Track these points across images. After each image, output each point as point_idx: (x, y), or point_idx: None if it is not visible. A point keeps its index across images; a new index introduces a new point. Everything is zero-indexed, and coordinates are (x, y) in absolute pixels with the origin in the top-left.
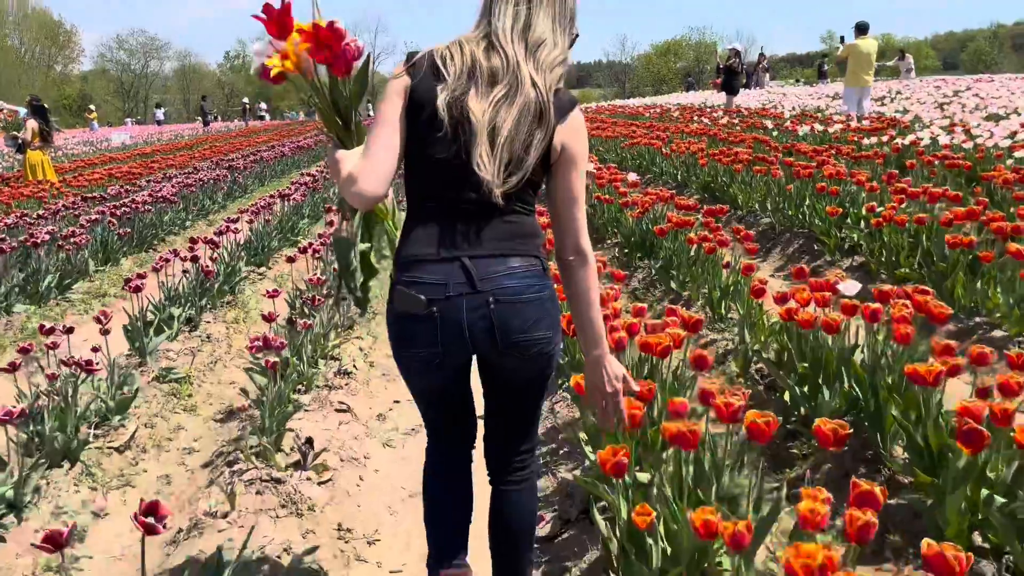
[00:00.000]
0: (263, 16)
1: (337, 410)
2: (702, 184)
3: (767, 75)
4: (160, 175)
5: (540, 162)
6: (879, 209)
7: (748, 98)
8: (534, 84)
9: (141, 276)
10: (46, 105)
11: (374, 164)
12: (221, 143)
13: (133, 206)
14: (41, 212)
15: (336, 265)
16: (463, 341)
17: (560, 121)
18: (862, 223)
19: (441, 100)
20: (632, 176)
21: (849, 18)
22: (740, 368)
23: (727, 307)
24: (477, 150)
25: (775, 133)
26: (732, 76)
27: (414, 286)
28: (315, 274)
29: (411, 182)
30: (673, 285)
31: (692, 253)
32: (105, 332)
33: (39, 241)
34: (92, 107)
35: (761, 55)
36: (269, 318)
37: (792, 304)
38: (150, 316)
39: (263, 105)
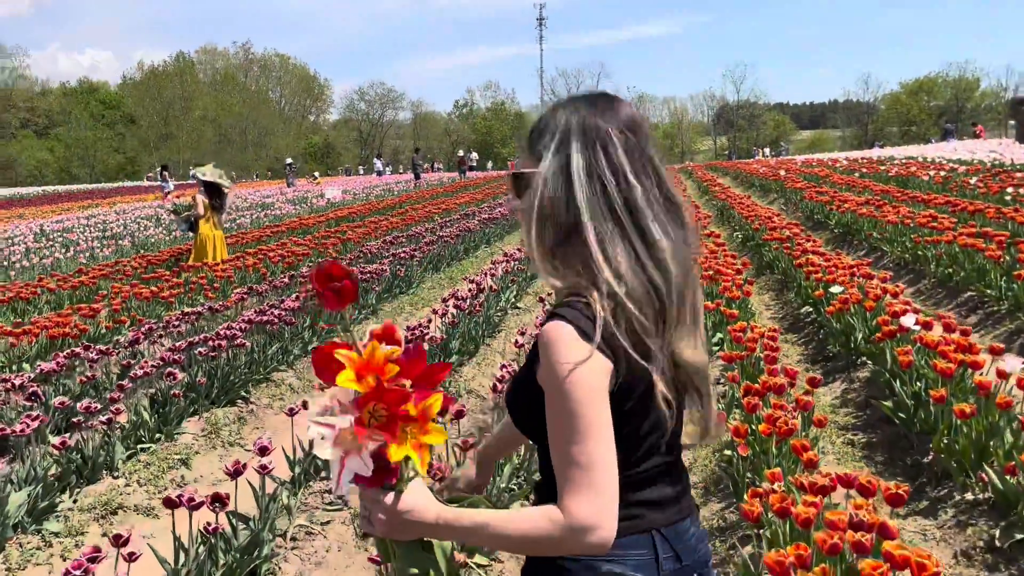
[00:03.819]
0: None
1: None
2: None
3: None
4: (319, 262)
5: None
6: None
7: None
8: None
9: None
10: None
11: (611, 498)
12: (420, 205)
13: (218, 344)
14: (98, 348)
15: None
16: None
17: None
18: None
19: (662, 399)
20: (1013, 362)
21: None
22: None
23: None
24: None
25: None
26: None
27: (620, 563)
28: None
29: None
30: None
31: None
32: None
33: (14, 435)
34: (316, 174)
35: None
36: None
37: None
38: None
39: (473, 155)
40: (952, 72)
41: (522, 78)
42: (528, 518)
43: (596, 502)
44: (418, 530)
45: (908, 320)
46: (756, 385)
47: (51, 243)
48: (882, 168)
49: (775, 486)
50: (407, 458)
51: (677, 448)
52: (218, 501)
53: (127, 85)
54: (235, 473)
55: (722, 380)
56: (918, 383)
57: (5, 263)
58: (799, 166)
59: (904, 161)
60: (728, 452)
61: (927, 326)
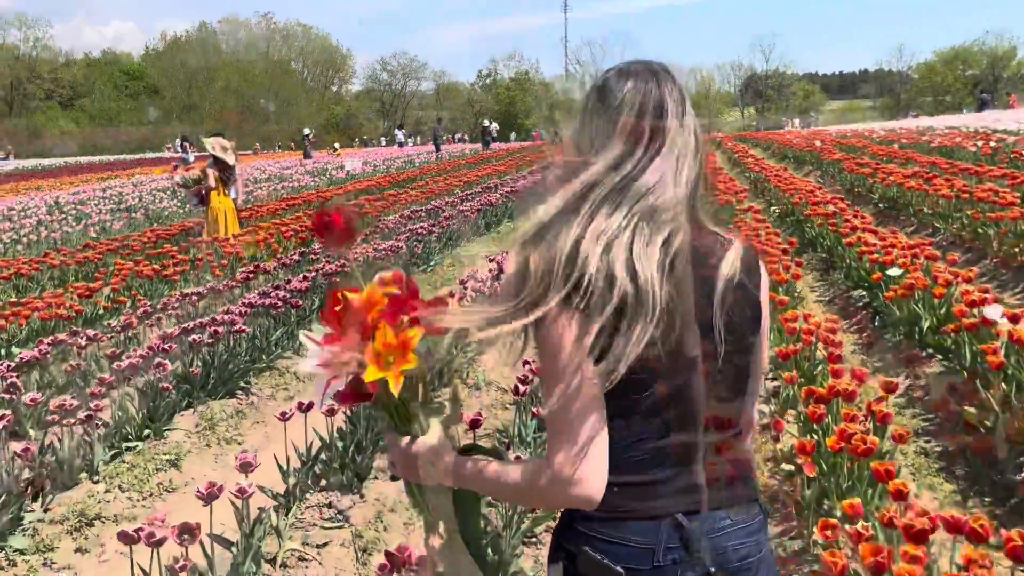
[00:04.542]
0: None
1: None
2: None
3: None
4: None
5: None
6: None
7: None
8: None
9: None
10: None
11: (595, 457)
12: (441, 178)
13: (215, 330)
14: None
15: None
16: None
17: None
18: None
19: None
20: None
21: None
22: None
23: None
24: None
25: None
26: None
27: (606, 547)
28: None
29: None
30: None
31: None
32: None
33: None
34: (337, 145)
35: None
36: None
37: None
38: None
39: (493, 126)
40: (988, 41)
41: (546, 48)
42: (523, 470)
43: (577, 457)
44: (430, 474)
45: (993, 312)
46: (820, 389)
47: (64, 216)
48: (923, 139)
49: (859, 526)
50: (425, 411)
51: (724, 428)
52: (187, 533)
53: (150, 56)
54: (209, 497)
55: (770, 374)
56: (1004, 384)
57: (15, 236)
58: (833, 136)
59: (947, 131)
60: (787, 467)
61: (1014, 319)
